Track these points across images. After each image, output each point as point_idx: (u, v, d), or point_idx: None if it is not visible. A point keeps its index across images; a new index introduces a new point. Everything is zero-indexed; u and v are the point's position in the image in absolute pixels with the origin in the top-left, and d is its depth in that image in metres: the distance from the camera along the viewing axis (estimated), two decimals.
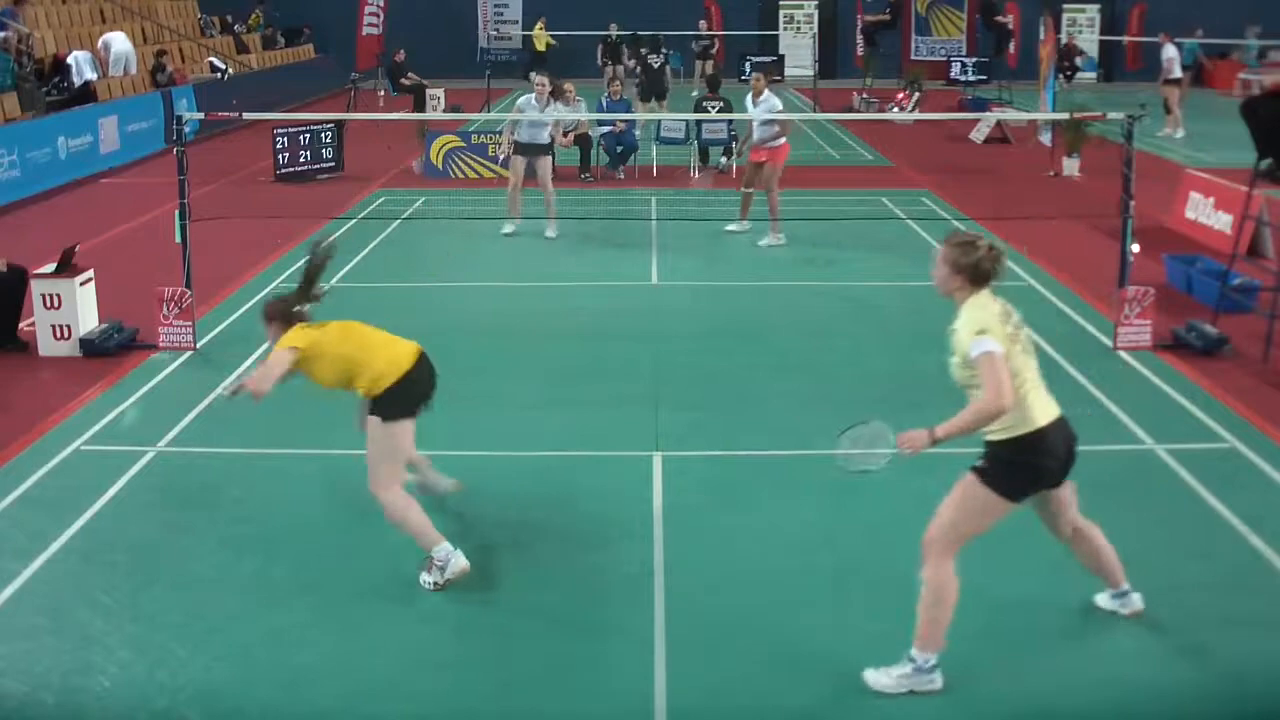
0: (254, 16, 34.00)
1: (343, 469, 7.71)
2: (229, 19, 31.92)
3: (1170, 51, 24.04)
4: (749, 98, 14.48)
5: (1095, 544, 5.67)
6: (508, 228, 14.46)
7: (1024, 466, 5.20)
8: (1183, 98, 24.04)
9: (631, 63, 25.53)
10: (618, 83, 20.58)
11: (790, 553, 6.51)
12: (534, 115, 14.12)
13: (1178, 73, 23.97)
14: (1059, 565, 6.37)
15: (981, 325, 5.09)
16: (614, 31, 29.77)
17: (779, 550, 6.53)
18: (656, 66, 24.92)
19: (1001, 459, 5.19)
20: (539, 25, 33.58)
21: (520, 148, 14.43)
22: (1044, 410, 5.23)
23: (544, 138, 14.70)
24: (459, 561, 6.01)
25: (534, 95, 14.30)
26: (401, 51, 27.06)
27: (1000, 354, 5.02)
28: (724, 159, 19.02)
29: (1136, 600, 5.76)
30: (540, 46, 33.25)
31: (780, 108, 14.27)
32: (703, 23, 31.88)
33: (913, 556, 6.48)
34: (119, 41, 23.14)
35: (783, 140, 14.24)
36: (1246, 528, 6.72)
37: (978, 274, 5.20)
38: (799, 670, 5.41)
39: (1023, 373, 5.16)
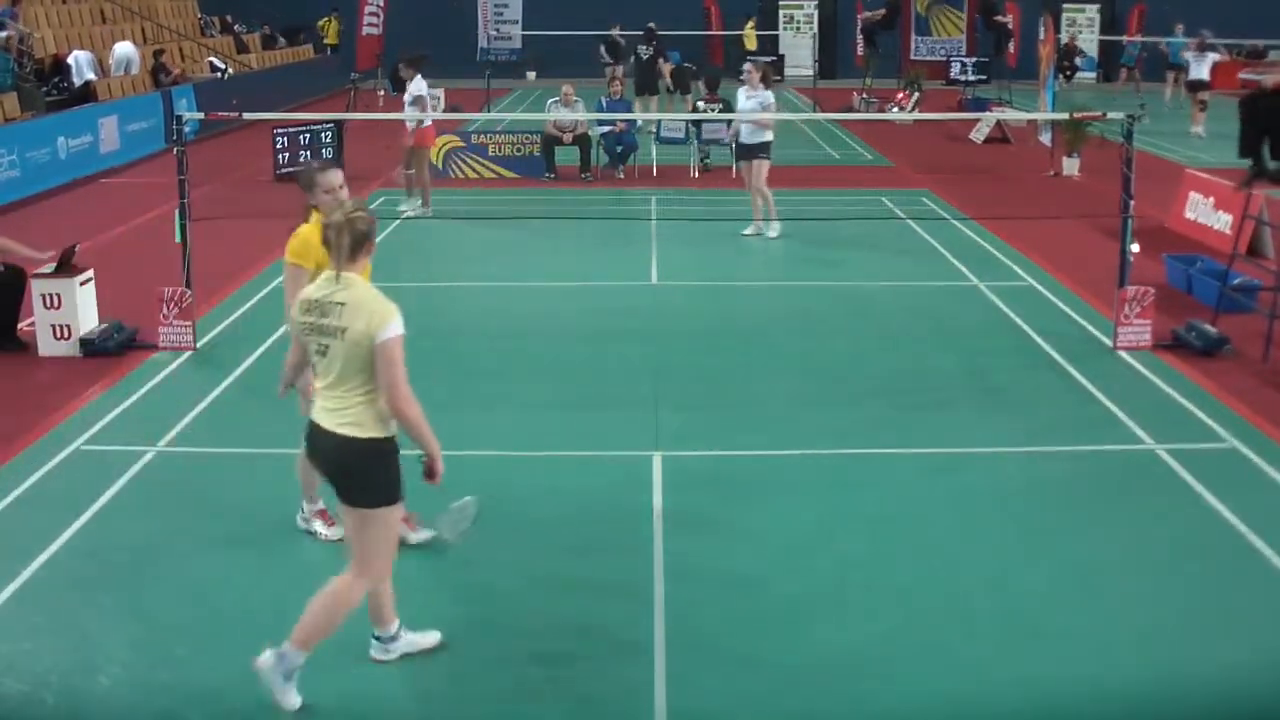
0: (325, 22, 33.88)
1: None
2: (228, 19, 31.91)
3: (1191, 55, 24.54)
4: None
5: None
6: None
7: None
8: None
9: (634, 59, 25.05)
10: (618, 82, 20.56)
11: (790, 552, 6.51)
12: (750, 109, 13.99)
13: (1205, 74, 24.16)
14: (1061, 567, 6.38)
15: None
16: (616, 32, 29.61)
17: (779, 550, 6.53)
18: (646, 59, 24.52)
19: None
20: (749, 24, 33.68)
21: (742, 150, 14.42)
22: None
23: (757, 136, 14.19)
24: None
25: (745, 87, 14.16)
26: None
27: None
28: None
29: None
30: (750, 45, 33.54)
31: None
32: (651, 24, 30.35)
33: (913, 556, 6.50)
34: (121, 47, 23.24)
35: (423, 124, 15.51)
36: (1246, 528, 6.72)
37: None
38: (799, 670, 5.41)
39: None
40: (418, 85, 15.59)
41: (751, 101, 14.06)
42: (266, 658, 5.02)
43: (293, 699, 5.01)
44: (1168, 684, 5.32)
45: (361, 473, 4.94)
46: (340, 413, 4.90)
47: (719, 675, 5.38)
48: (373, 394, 4.87)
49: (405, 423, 4.88)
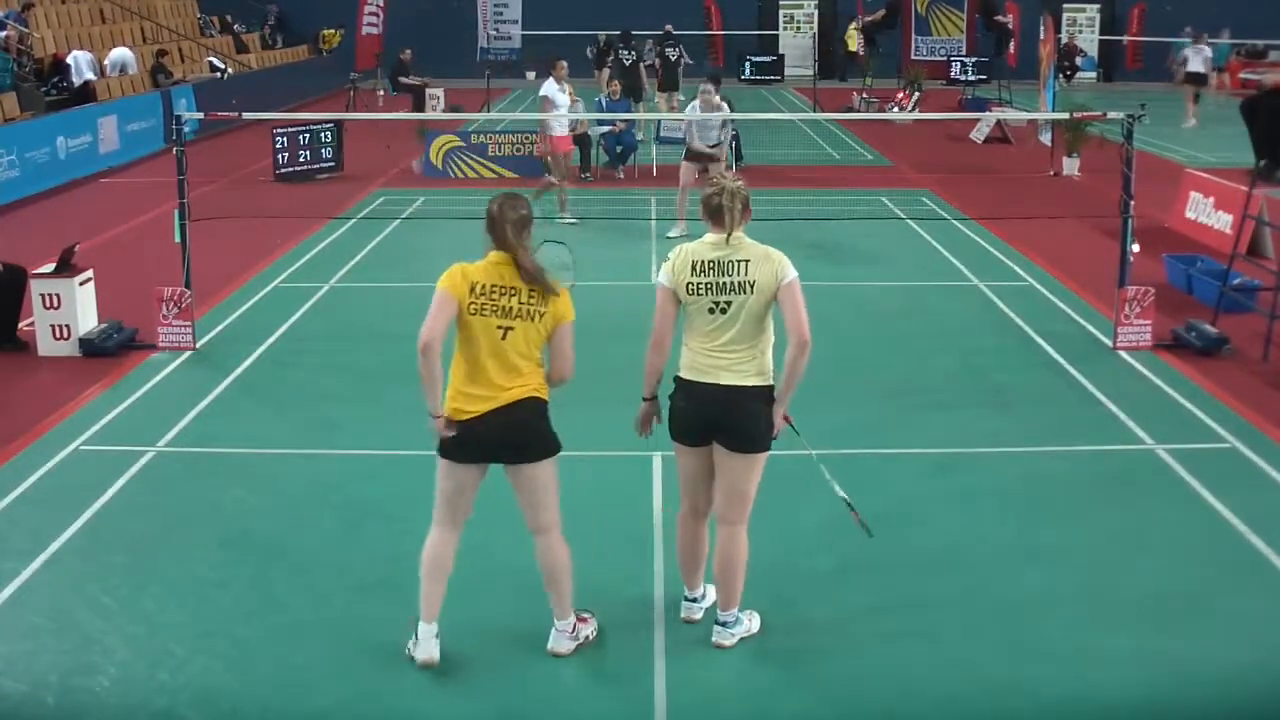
0: (331, 33, 33.96)
1: (342, 469, 7.72)
2: (228, 18, 31.90)
3: (1190, 50, 26.10)
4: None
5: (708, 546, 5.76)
6: (674, 230, 14.22)
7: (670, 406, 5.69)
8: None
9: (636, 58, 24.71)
10: (616, 83, 20.56)
11: (791, 552, 6.51)
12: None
13: (1201, 67, 25.83)
14: (1061, 567, 6.38)
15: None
16: (603, 33, 29.50)
17: (779, 550, 6.52)
18: (628, 64, 23.81)
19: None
20: (852, 27, 33.77)
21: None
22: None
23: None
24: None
25: None
26: (409, 51, 26.98)
27: None
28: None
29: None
30: (852, 47, 33.70)
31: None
32: (668, 26, 29.99)
33: (912, 557, 6.50)
34: (117, 52, 23.29)
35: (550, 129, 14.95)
36: (1246, 528, 6.72)
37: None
38: (799, 671, 5.41)
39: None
40: (547, 87, 15.17)
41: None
42: (724, 633, 5.52)
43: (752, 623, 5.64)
44: (1168, 684, 5.31)
45: (761, 416, 5.45)
46: (745, 365, 5.43)
47: (719, 675, 5.38)
48: (766, 343, 5.43)
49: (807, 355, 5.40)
